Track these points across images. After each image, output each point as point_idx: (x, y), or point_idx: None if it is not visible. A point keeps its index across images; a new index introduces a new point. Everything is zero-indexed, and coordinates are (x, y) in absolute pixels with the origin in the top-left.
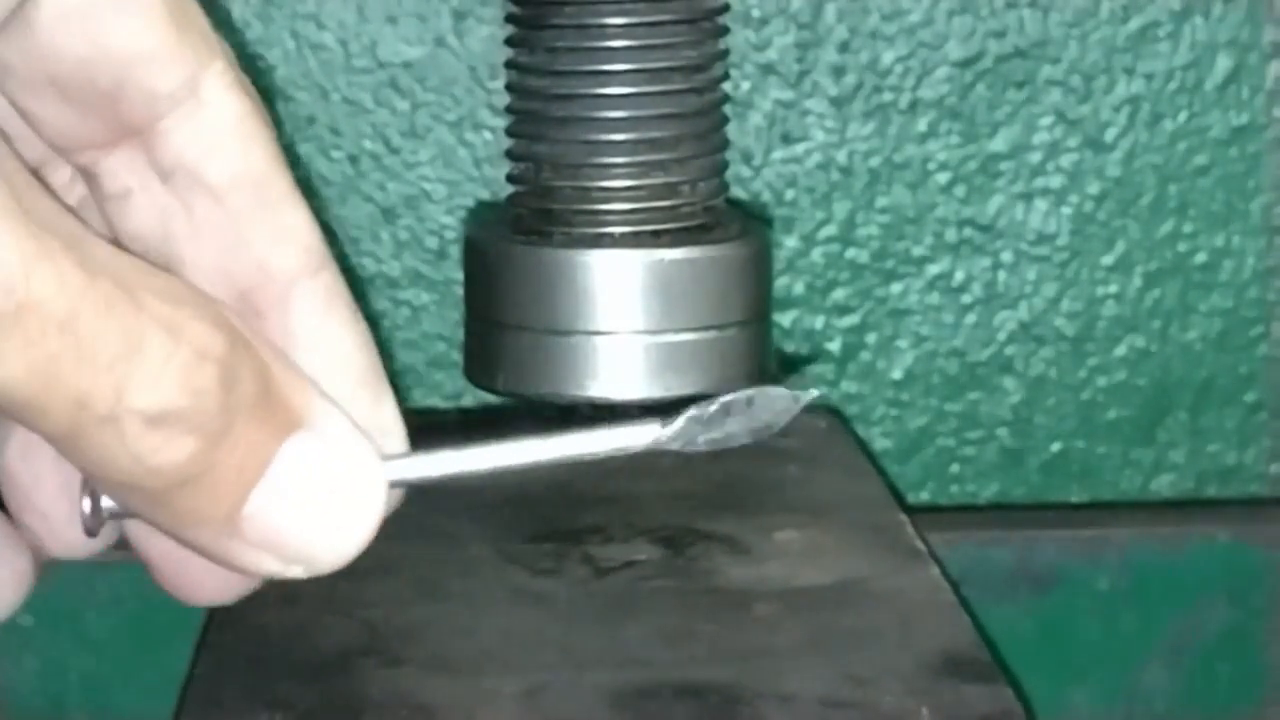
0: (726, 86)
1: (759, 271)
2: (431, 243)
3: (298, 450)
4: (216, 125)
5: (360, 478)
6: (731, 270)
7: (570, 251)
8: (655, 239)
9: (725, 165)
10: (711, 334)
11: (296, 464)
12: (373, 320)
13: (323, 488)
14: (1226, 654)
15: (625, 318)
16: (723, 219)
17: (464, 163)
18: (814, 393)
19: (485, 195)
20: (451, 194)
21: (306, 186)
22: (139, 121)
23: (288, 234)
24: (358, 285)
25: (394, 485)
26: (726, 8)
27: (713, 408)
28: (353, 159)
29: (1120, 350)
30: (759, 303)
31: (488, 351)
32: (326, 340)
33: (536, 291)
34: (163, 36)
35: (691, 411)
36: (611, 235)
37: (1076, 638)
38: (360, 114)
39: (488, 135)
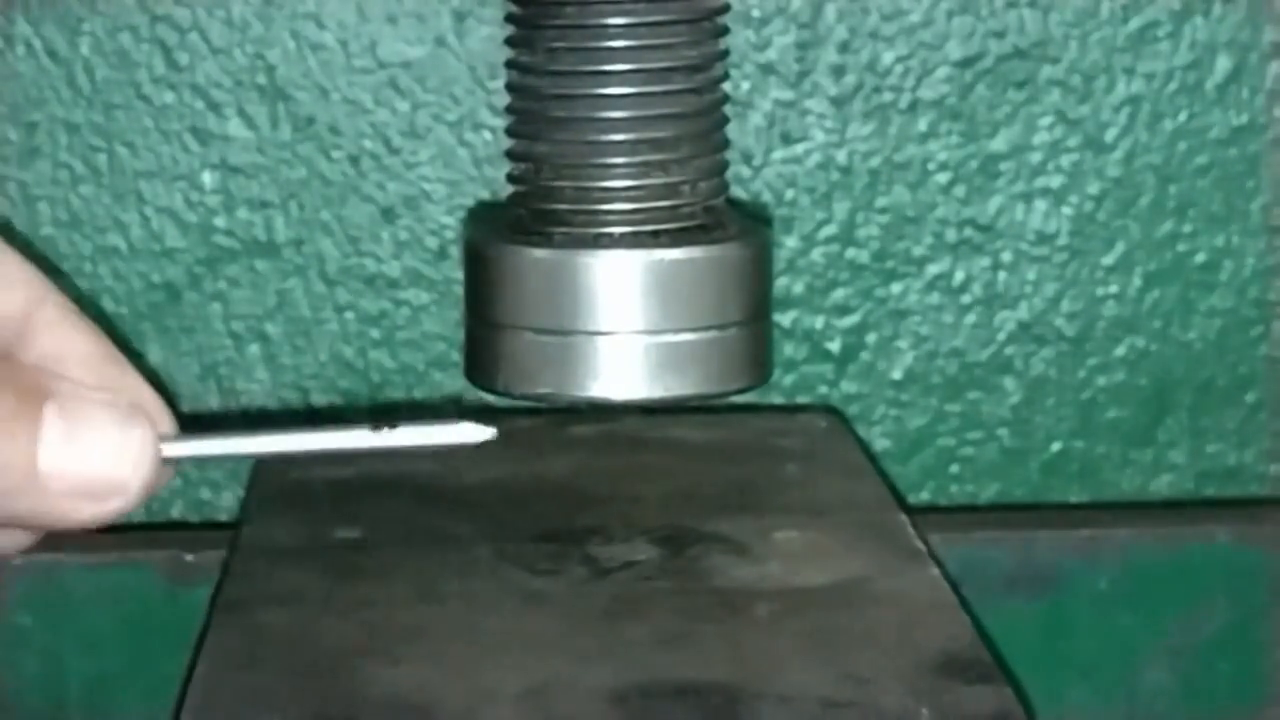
0: (726, 86)
1: (759, 271)
2: (431, 243)
3: (54, 409)
4: None
5: (114, 413)
6: (731, 270)
7: (570, 252)
8: (655, 239)
9: (725, 165)
10: (711, 334)
11: (58, 420)
12: (373, 320)
13: (91, 429)
14: (1226, 654)
15: (625, 318)
16: (723, 219)
17: (464, 163)
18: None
19: (485, 195)
20: (451, 194)
21: (306, 186)
22: None
23: (7, 282)
24: (357, 285)
25: (166, 457)
26: (726, 8)
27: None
28: (353, 159)
29: (1120, 350)
30: (759, 303)
31: (488, 352)
32: (68, 343)
33: (537, 291)
34: None
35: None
36: (611, 235)
37: (1076, 638)
38: (360, 114)
39: (488, 135)
